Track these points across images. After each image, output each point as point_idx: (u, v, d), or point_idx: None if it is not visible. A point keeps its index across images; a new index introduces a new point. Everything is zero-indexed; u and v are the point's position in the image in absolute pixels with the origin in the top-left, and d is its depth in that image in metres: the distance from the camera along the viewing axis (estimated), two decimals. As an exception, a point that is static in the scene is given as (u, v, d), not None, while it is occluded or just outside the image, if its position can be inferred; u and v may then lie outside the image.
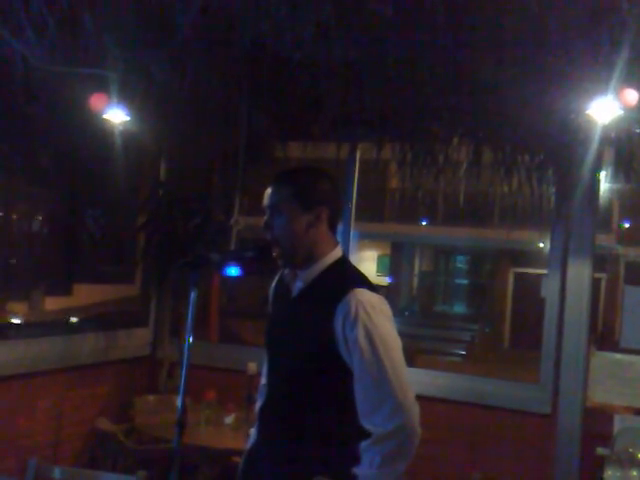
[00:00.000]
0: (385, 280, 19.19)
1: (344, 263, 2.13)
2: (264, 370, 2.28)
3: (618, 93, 2.59)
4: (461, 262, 22.17)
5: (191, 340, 1.96)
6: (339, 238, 2.22)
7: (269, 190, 2.09)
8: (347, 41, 2.68)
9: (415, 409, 1.91)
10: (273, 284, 2.27)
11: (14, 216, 4.06)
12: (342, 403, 1.98)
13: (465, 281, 21.65)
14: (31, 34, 2.48)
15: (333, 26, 2.44)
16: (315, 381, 2.02)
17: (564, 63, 2.55)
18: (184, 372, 1.95)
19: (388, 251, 20.31)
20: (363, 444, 1.92)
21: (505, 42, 2.68)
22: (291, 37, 2.51)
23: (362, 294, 1.96)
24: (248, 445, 2.25)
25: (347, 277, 2.06)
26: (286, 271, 2.15)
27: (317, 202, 2.05)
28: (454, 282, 21.93)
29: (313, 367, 2.01)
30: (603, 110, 2.83)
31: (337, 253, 2.10)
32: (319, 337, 1.98)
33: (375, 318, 1.93)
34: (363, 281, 2.06)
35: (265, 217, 2.08)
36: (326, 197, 2.08)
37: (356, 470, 1.92)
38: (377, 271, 19.83)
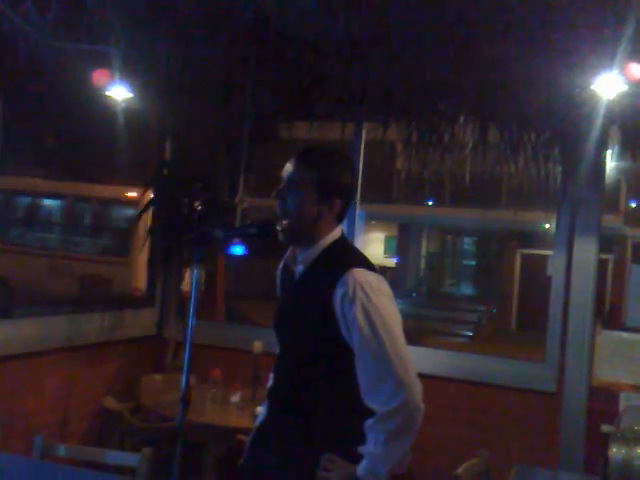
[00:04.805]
0: (392, 261, 19.17)
1: (342, 243, 2.12)
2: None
3: (623, 68, 2.56)
4: (468, 243, 22.13)
5: (196, 318, 1.95)
6: (345, 220, 2.20)
7: (292, 163, 2.06)
8: (351, 17, 2.65)
9: (417, 385, 1.91)
10: (279, 268, 2.27)
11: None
12: (346, 382, 1.98)
13: (472, 262, 21.60)
14: (33, 9, 2.46)
15: (337, 1, 2.41)
16: (319, 362, 2.03)
17: (569, 39, 2.53)
18: (188, 346, 1.95)
19: (395, 232, 20.28)
20: (367, 422, 1.93)
21: (511, 18, 2.65)
22: (295, 12, 2.48)
23: (359, 274, 1.96)
24: (257, 423, 2.27)
25: (345, 257, 2.05)
26: (288, 254, 2.16)
27: (334, 194, 2.05)
28: (461, 263, 21.90)
29: (316, 348, 2.02)
30: (608, 85, 2.80)
31: (336, 233, 2.09)
32: (320, 318, 1.99)
33: (373, 296, 1.93)
34: (360, 261, 2.05)
35: (280, 186, 2.06)
36: (344, 190, 2.08)
37: (362, 449, 1.93)
38: (384, 252, 19.81)
